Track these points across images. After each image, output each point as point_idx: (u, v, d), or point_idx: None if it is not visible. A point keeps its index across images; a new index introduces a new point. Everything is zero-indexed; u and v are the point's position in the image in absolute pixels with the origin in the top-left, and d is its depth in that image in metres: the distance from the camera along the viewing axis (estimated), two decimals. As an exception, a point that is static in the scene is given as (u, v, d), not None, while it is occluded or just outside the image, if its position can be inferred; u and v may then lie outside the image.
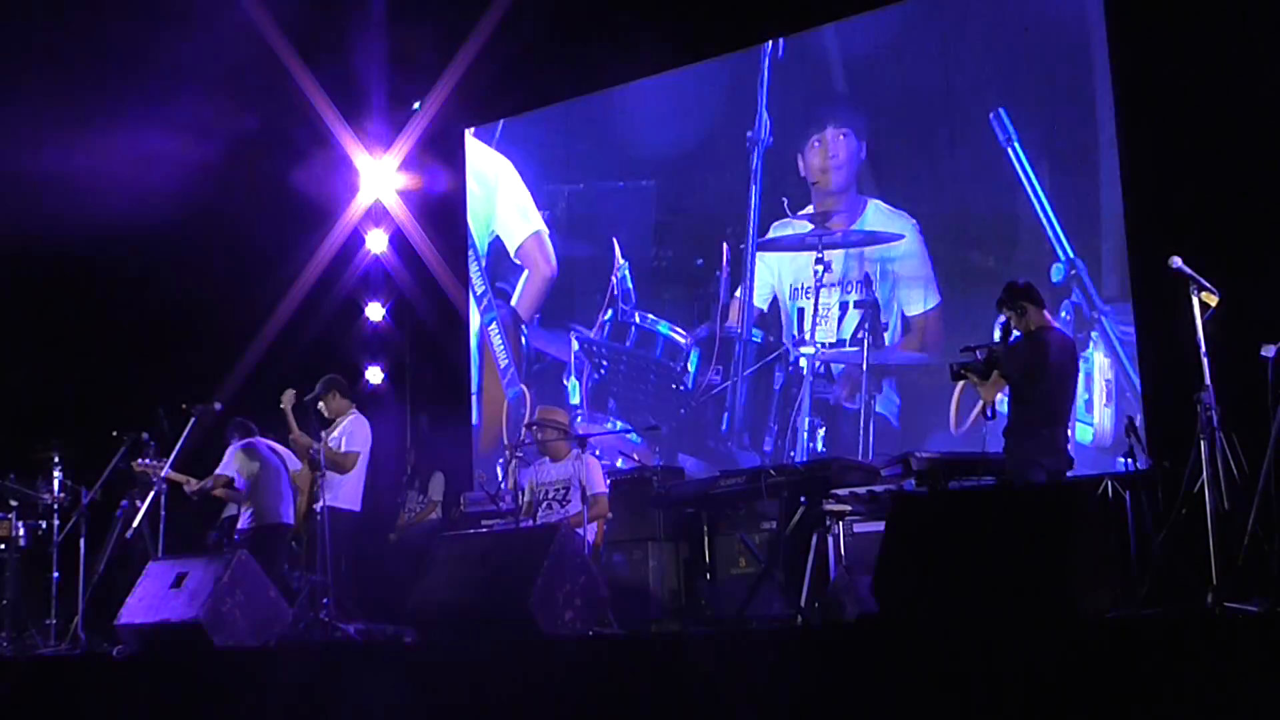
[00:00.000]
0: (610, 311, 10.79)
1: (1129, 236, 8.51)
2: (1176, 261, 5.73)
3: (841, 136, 9.72)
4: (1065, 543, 4.64)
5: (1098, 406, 8.36)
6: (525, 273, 11.48)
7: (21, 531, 9.18)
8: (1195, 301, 5.67)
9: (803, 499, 7.28)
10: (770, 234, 9.97)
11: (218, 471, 8.94)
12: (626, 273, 10.75)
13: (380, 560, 9.44)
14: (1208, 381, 5.57)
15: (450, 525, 9.44)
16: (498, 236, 11.73)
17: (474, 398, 11.81)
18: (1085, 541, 4.70)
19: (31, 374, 10.82)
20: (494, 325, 11.56)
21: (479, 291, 11.70)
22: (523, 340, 11.37)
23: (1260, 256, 7.37)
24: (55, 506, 8.93)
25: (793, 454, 9.54)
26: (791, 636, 6.00)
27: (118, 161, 10.07)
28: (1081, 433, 8.30)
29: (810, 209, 9.79)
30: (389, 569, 9.13)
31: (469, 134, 12.00)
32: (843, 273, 9.57)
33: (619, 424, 10.45)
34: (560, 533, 6.22)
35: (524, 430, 8.14)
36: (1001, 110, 8.91)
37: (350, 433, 8.53)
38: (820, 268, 9.63)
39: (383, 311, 12.22)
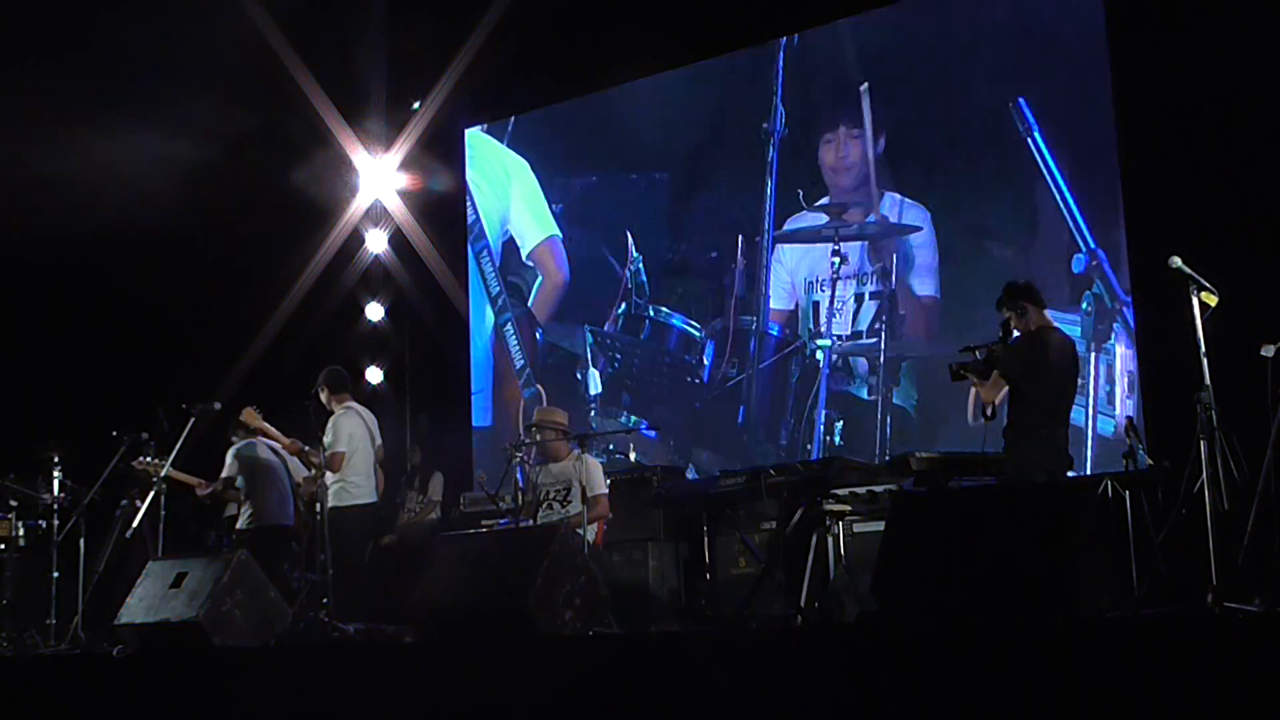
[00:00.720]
0: (624, 305, 10.79)
1: (1129, 236, 8.52)
2: (1176, 261, 5.72)
3: (853, 138, 9.72)
4: (1065, 543, 4.64)
5: (1119, 398, 8.35)
6: (539, 278, 11.49)
7: (21, 531, 9.19)
8: (1195, 301, 5.66)
9: (802, 499, 7.28)
10: (786, 227, 9.97)
11: (222, 475, 8.96)
12: (640, 266, 10.75)
13: (380, 560, 9.44)
14: (1208, 381, 5.56)
15: (450, 525, 9.44)
16: (511, 236, 11.72)
17: (475, 397, 11.81)
18: (1085, 541, 4.70)
19: (31, 374, 10.80)
20: (509, 325, 11.56)
21: (494, 292, 11.70)
22: (538, 340, 11.38)
23: (1260, 256, 7.36)
24: (55, 506, 8.92)
25: (809, 447, 9.54)
26: (791, 636, 6.00)
27: (117, 161, 10.06)
28: (1103, 425, 8.30)
29: (826, 201, 9.79)
30: (389, 569, 9.13)
31: (480, 130, 11.99)
32: (859, 265, 9.58)
33: (632, 418, 10.45)
34: (560, 533, 6.22)
35: (523, 431, 8.14)
36: (1021, 100, 8.89)
37: (335, 431, 8.50)
38: (837, 260, 9.64)
39: (382, 311, 12.22)
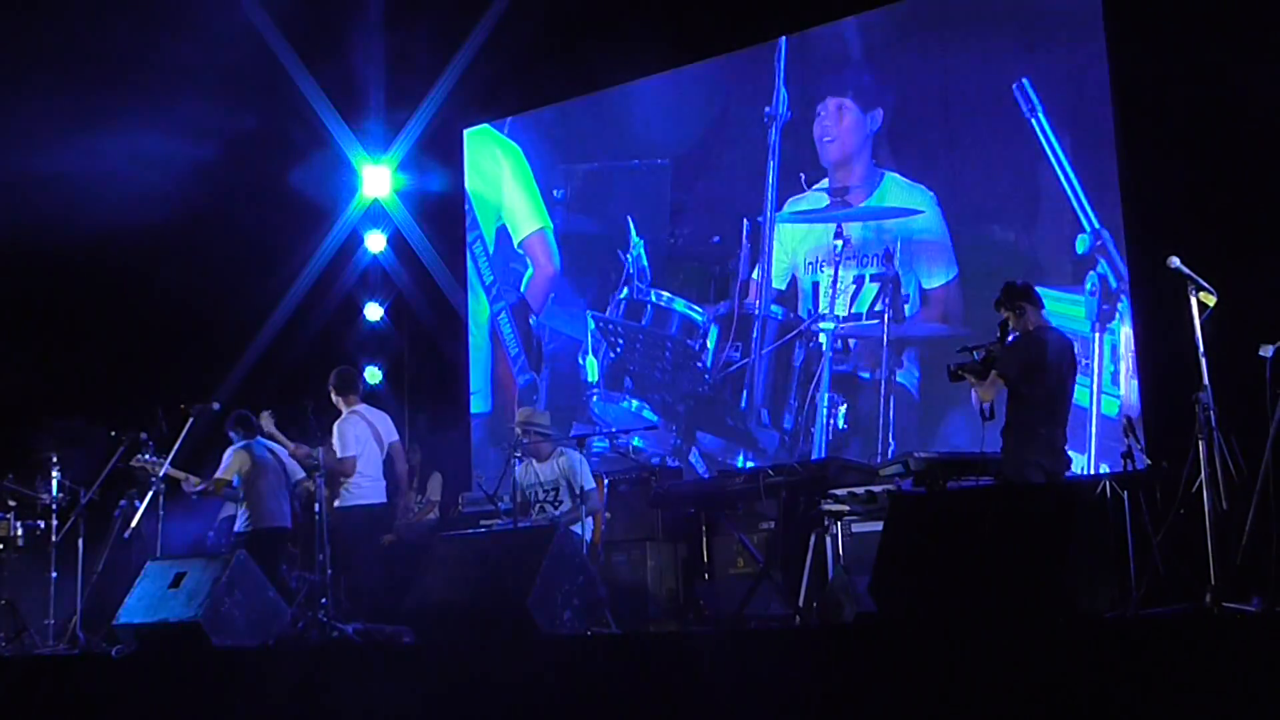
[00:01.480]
0: (625, 290, 10.78)
1: (1128, 233, 8.53)
2: (1175, 261, 5.72)
3: (840, 107, 9.72)
4: (1064, 543, 4.64)
5: (1123, 379, 8.37)
6: (530, 268, 11.50)
7: (20, 531, 9.18)
8: (1193, 301, 5.66)
9: (801, 499, 7.28)
10: (787, 209, 9.97)
11: (217, 475, 8.95)
12: (642, 250, 10.75)
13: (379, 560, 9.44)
14: (1206, 381, 5.56)
15: (448, 525, 9.44)
16: (504, 225, 11.73)
17: (473, 397, 11.82)
18: (1084, 541, 4.70)
19: (31, 374, 10.80)
20: (503, 314, 11.56)
21: (488, 282, 11.70)
22: (532, 328, 11.38)
23: (1260, 256, 7.36)
24: (54, 506, 8.92)
25: (812, 430, 9.53)
26: (790, 636, 6.01)
27: (117, 161, 10.07)
28: (1107, 405, 8.32)
29: (826, 183, 9.80)
30: (388, 569, 9.13)
31: (482, 127, 12.00)
32: (860, 246, 9.58)
33: (634, 402, 10.45)
34: (559, 532, 6.22)
35: (515, 432, 8.14)
36: (1025, 80, 8.89)
37: (341, 437, 8.51)
38: (839, 242, 9.63)
39: (381, 311, 12.23)
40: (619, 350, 10.76)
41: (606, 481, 8.51)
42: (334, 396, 8.70)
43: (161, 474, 8.57)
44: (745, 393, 9.99)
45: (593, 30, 10.48)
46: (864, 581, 5.49)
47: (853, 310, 9.53)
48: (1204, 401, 5.53)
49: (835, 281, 9.60)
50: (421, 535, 9.46)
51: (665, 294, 10.58)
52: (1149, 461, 7.40)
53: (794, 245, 9.93)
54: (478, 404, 11.73)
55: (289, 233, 11.34)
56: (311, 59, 10.86)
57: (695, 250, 10.52)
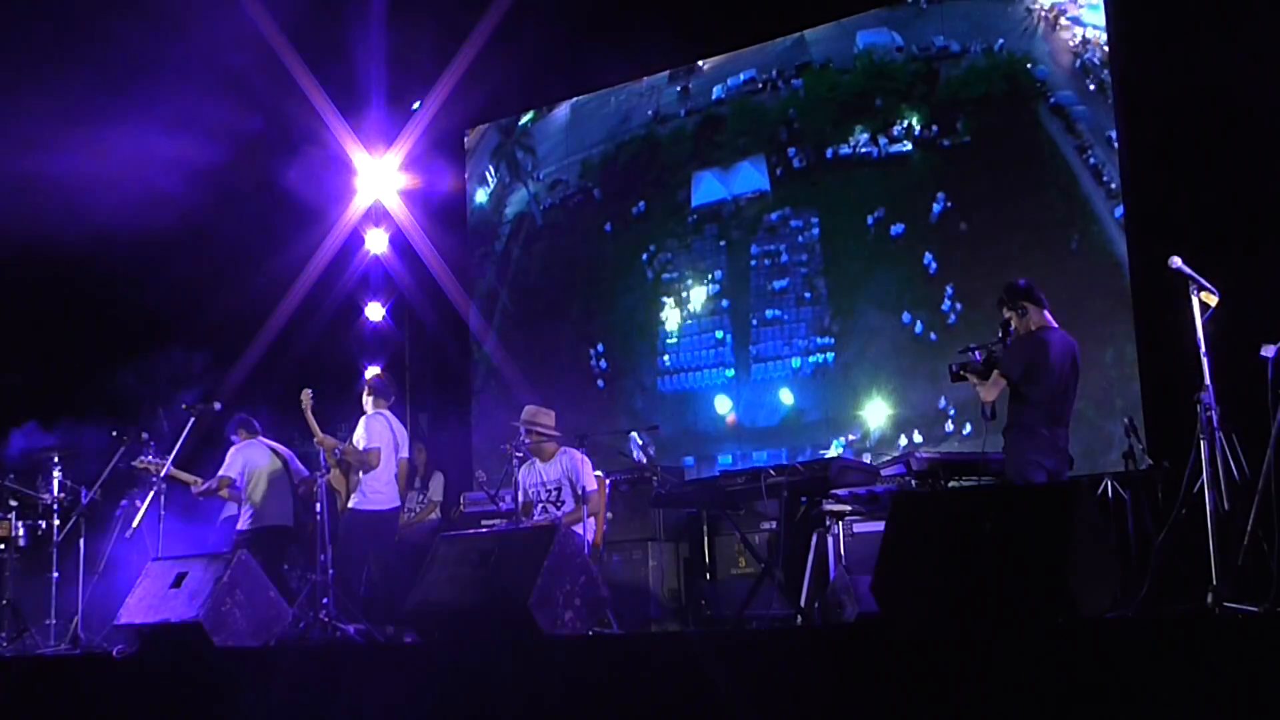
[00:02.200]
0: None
1: (1129, 236, 8.52)
2: (1176, 261, 5.72)
3: None
4: (1064, 542, 4.63)
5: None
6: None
7: (21, 531, 9.18)
8: (1195, 301, 5.66)
9: (803, 499, 7.28)
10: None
11: (220, 474, 8.95)
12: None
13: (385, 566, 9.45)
14: (1208, 381, 5.56)
15: (450, 525, 9.44)
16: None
17: (474, 398, 11.84)
18: (1085, 541, 4.69)
19: (31, 374, 10.80)
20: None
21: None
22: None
23: (1260, 256, 7.37)
24: (55, 506, 8.93)
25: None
26: (791, 636, 6.00)
27: (118, 161, 10.07)
28: None
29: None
30: (390, 570, 9.13)
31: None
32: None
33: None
34: (560, 532, 6.21)
35: (519, 430, 8.13)
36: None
37: (368, 430, 8.55)
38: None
39: (383, 311, 12.23)
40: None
41: (608, 482, 8.51)
42: (366, 398, 8.76)
43: (163, 474, 8.57)
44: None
45: (595, 30, 10.48)
46: (866, 581, 5.48)
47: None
48: (1206, 402, 5.53)
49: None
50: (423, 535, 9.47)
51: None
52: (1150, 461, 7.41)
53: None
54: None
55: (290, 232, 11.34)
56: (313, 58, 10.85)
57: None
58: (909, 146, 9.68)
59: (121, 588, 7.68)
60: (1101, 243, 8.70)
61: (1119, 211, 8.62)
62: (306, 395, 8.51)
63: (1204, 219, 7.69)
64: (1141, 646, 4.14)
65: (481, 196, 12.16)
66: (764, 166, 10.42)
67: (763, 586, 7.30)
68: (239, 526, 9.03)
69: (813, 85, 10.22)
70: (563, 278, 11.59)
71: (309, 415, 8.48)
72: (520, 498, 8.03)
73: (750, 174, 10.48)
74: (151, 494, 8.60)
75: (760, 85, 10.51)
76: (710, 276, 10.66)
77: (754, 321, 10.36)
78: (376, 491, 8.49)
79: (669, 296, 10.89)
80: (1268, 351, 5.60)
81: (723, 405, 10.42)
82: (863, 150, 9.87)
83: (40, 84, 10.08)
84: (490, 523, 8.68)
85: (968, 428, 8.85)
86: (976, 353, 6.83)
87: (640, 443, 10.20)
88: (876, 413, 9.57)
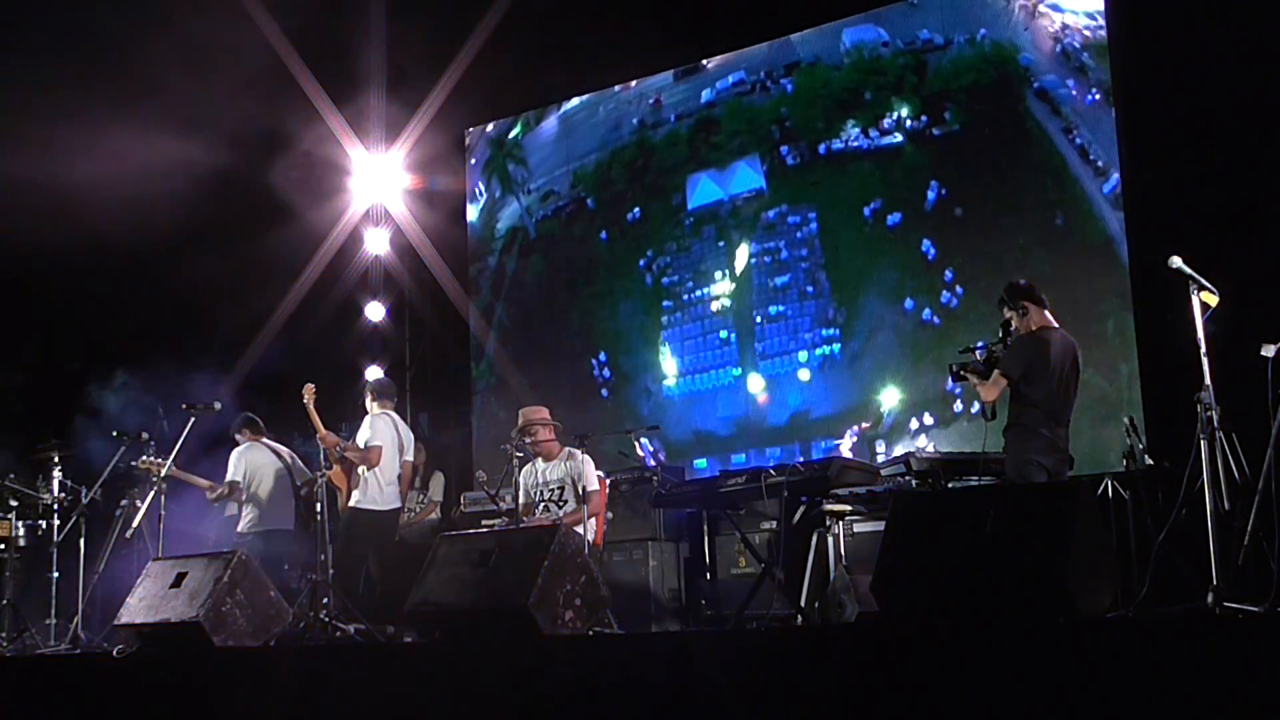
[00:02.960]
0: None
1: (1129, 236, 8.52)
2: (1176, 261, 5.72)
3: None
4: (1064, 542, 4.63)
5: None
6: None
7: (21, 531, 9.19)
8: (1195, 301, 5.65)
9: (803, 499, 7.28)
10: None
11: (227, 478, 8.98)
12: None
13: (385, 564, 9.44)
14: (1208, 381, 5.56)
15: (450, 525, 9.44)
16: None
17: (475, 398, 11.83)
18: (1085, 541, 4.69)
19: (31, 374, 10.81)
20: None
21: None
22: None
23: (1260, 256, 7.36)
24: (55, 506, 8.93)
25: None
26: (792, 636, 6.00)
27: (119, 162, 10.06)
28: None
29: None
30: (391, 570, 9.13)
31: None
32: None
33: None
34: (560, 532, 6.21)
35: (515, 434, 8.13)
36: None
37: (373, 428, 8.56)
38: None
39: (383, 311, 12.23)
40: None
41: (609, 481, 8.51)
42: (369, 400, 8.77)
43: (163, 474, 8.57)
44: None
45: (595, 29, 10.48)
46: (866, 581, 5.48)
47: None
48: (1206, 401, 5.52)
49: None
50: (423, 535, 9.47)
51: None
52: (1151, 461, 7.40)
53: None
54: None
55: (290, 232, 11.33)
56: (314, 58, 10.85)
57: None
58: (900, 138, 9.78)
59: (121, 588, 7.67)
60: (1092, 218, 8.83)
61: (1107, 188, 8.75)
62: (309, 390, 8.50)
63: (1204, 219, 7.68)
64: (1141, 646, 4.14)
65: (472, 214, 12.18)
66: (759, 165, 10.47)
67: (763, 586, 7.30)
68: (239, 529, 9.04)
69: (803, 83, 10.29)
70: (560, 289, 11.58)
71: (311, 410, 8.47)
72: (521, 498, 8.03)
73: (746, 173, 10.51)
74: (152, 494, 8.60)
75: (750, 86, 10.59)
76: (711, 277, 10.66)
77: (758, 319, 10.37)
78: (378, 491, 8.49)
79: (670, 300, 10.89)
80: (1268, 351, 5.60)
81: (733, 404, 10.47)
82: (855, 144, 9.96)
83: (41, 86, 10.07)
84: (490, 523, 8.68)
85: (975, 406, 8.87)
86: (977, 353, 6.83)
87: (651, 448, 10.20)
88: (887, 399, 9.61)
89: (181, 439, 8.61)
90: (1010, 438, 6.61)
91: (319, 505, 8.14)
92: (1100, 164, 8.77)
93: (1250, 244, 7.47)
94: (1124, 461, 7.62)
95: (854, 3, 9.94)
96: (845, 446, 9.68)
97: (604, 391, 11.12)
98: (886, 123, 9.80)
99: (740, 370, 10.41)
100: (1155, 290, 7.95)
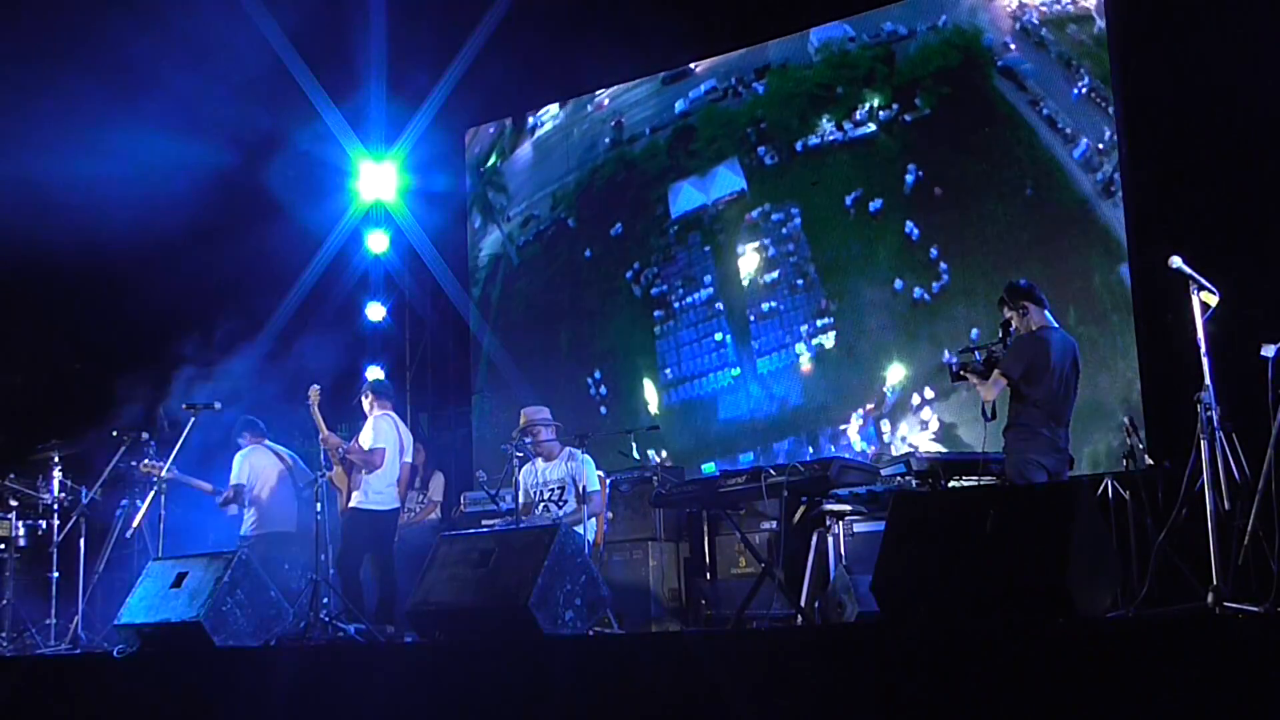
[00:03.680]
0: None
1: (1129, 236, 8.52)
2: (1176, 261, 5.72)
3: None
4: (1064, 542, 4.63)
5: None
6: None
7: (21, 531, 9.18)
8: (1195, 301, 5.65)
9: (803, 499, 7.27)
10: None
11: (231, 483, 8.98)
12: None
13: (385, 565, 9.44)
14: (1208, 381, 5.56)
15: (450, 525, 9.44)
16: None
17: (475, 397, 11.83)
18: (1084, 541, 4.69)
19: (32, 374, 10.80)
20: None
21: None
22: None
23: (1260, 256, 7.36)
24: (55, 506, 8.92)
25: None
26: (792, 636, 6.00)
27: (119, 163, 10.07)
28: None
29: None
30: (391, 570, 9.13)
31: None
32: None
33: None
34: (561, 532, 6.22)
35: (515, 434, 8.12)
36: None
37: (376, 430, 8.57)
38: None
39: (383, 311, 12.23)
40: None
41: (609, 482, 8.51)
42: (368, 402, 8.76)
43: (163, 474, 8.57)
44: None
45: (595, 30, 10.48)
46: (866, 581, 5.48)
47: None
48: (1206, 401, 5.52)
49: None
50: (423, 535, 9.46)
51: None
52: (1151, 461, 7.40)
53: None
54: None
55: (290, 232, 11.33)
56: (314, 58, 10.85)
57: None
58: (873, 127, 9.93)
59: (121, 588, 7.67)
60: (1066, 183, 9.01)
61: (1077, 153, 8.93)
62: (315, 391, 8.50)
63: (1204, 219, 7.69)
64: (1141, 646, 4.14)
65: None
66: (738, 167, 10.57)
67: (763, 586, 7.30)
68: (242, 531, 9.04)
69: (775, 85, 10.44)
70: (548, 311, 11.60)
71: (316, 412, 8.47)
72: (521, 498, 8.03)
73: (726, 177, 10.61)
74: (151, 494, 8.60)
75: (722, 92, 10.73)
76: (700, 282, 10.70)
77: (751, 317, 10.39)
78: (378, 492, 8.49)
79: (661, 309, 10.91)
80: (1268, 351, 5.60)
81: (734, 405, 10.48)
82: (830, 137, 10.09)
83: (42, 87, 10.08)
84: (490, 523, 8.68)
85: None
86: (977, 352, 6.83)
87: (658, 460, 10.22)
88: (889, 378, 9.68)
89: (182, 439, 8.61)
90: (1010, 438, 6.61)
91: (319, 505, 8.14)
92: (1069, 131, 8.98)
93: (1250, 244, 7.47)
94: (1124, 461, 7.63)
95: (823, 10, 10.11)
96: (853, 429, 9.73)
97: (602, 409, 11.11)
98: (859, 114, 9.97)
99: (739, 370, 10.41)
100: (1155, 290, 7.95)
